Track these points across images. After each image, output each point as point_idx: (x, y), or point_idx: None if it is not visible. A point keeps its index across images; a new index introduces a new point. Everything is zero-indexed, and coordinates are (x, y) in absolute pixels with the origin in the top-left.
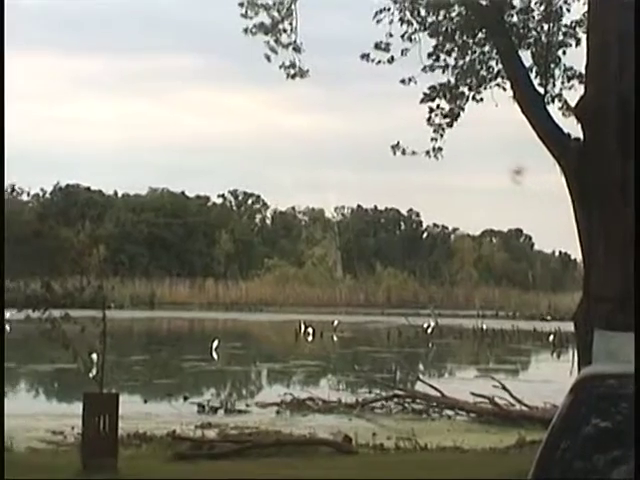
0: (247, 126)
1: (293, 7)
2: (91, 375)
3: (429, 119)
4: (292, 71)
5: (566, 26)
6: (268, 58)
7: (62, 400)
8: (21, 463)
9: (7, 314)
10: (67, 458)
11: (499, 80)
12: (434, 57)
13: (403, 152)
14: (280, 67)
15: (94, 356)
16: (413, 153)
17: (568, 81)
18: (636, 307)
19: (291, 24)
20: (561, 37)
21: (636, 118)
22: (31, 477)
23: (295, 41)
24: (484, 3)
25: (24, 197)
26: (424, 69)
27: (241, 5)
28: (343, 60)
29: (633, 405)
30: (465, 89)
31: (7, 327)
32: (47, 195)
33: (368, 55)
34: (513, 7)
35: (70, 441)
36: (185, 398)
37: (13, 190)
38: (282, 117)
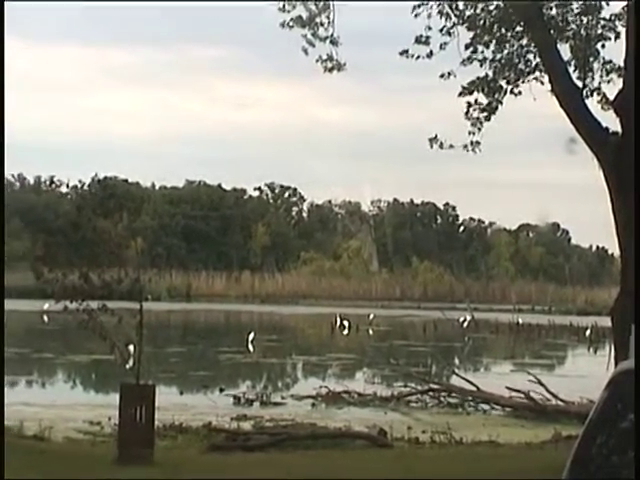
0: (284, 119)
1: (330, 0)
2: (128, 366)
3: (467, 113)
4: (329, 64)
5: (605, 19)
6: (305, 51)
7: (99, 391)
8: (58, 453)
9: (45, 305)
10: (104, 448)
11: (537, 73)
12: (472, 49)
13: (441, 146)
14: (317, 60)
15: (131, 347)
16: (451, 147)
17: (607, 75)
18: (636, 307)
19: (328, 17)
20: (600, 30)
21: (636, 118)
22: (69, 466)
23: (332, 34)
24: None
25: (63, 189)
26: (462, 62)
27: None
28: (380, 53)
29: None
30: (503, 82)
31: (45, 318)
32: (85, 187)
33: (407, 51)
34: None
35: (107, 431)
36: (221, 390)
37: (52, 182)
38: (319, 110)
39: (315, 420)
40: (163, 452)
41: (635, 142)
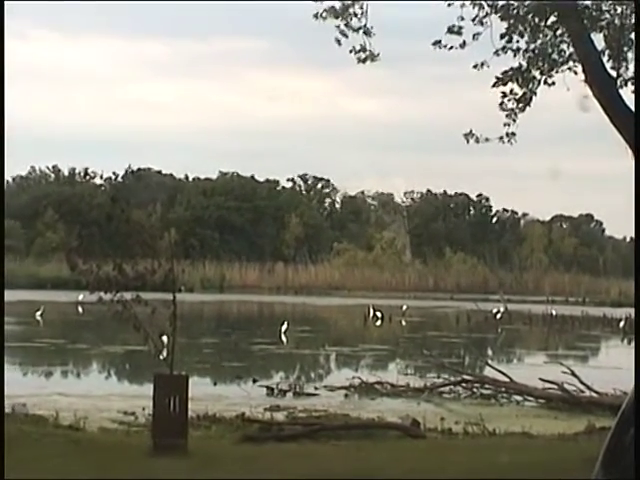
0: (318, 110)
1: None
2: (161, 357)
3: (501, 104)
4: (363, 55)
5: None
6: (338, 42)
7: (133, 381)
8: (93, 442)
9: (80, 296)
10: (138, 438)
11: (571, 63)
12: (506, 39)
13: (477, 140)
14: (350, 51)
15: (164, 338)
16: (487, 140)
17: None
18: (636, 307)
19: (361, 8)
20: (634, 19)
21: (636, 118)
22: (103, 456)
23: (365, 25)
24: None
25: (97, 180)
26: (496, 52)
27: None
28: (413, 44)
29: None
30: (537, 73)
31: (80, 309)
32: (119, 179)
33: (440, 41)
34: None
35: (141, 421)
36: (254, 381)
37: (86, 174)
38: (352, 101)
39: (348, 411)
40: (197, 442)
41: (635, 142)
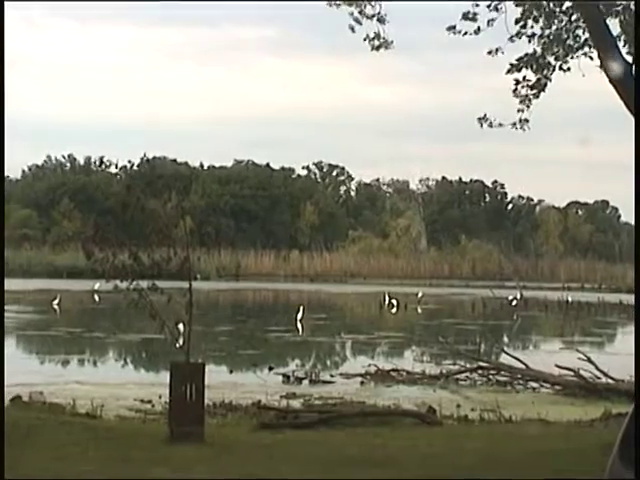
0: (332, 98)
1: None
2: (178, 345)
3: (515, 90)
4: (376, 42)
5: None
6: (352, 29)
7: (149, 369)
8: (110, 430)
9: (96, 284)
10: (155, 426)
11: (586, 49)
12: (521, 24)
13: (490, 124)
14: (364, 39)
15: (180, 326)
16: (500, 125)
17: None
18: (636, 306)
19: None
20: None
21: (636, 118)
22: (120, 443)
23: (379, 12)
24: None
25: (112, 169)
26: (511, 38)
27: None
28: (427, 31)
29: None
30: (551, 59)
31: (96, 297)
32: (134, 167)
33: (454, 27)
34: None
35: (158, 409)
36: (270, 368)
37: (102, 163)
38: (366, 88)
39: (364, 398)
40: (213, 430)
41: (635, 142)
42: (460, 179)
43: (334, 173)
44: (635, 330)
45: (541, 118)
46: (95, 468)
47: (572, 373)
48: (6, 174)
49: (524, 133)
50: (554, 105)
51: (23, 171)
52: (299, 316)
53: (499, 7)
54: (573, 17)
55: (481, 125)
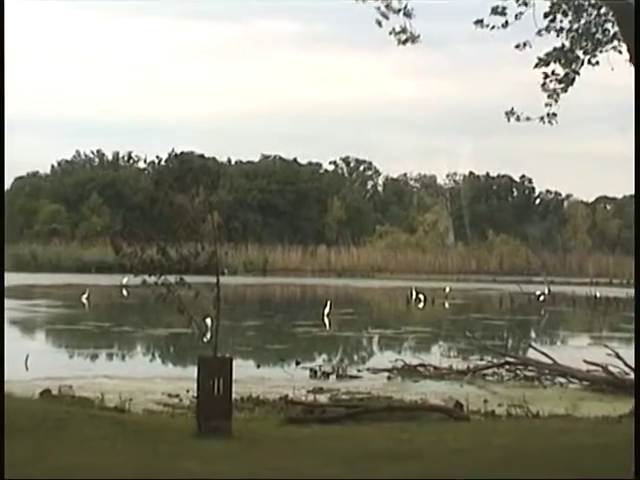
0: (359, 92)
1: None
2: (205, 339)
3: (544, 84)
4: (403, 36)
5: None
6: (379, 23)
7: (177, 364)
8: (139, 424)
9: (124, 279)
10: (183, 420)
11: (615, 43)
12: (549, 18)
13: (517, 118)
14: (391, 33)
15: (208, 321)
16: (527, 119)
17: None
18: (636, 306)
19: None
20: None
21: (636, 117)
22: (149, 437)
23: (406, 6)
24: None
25: (140, 164)
26: (539, 32)
27: None
28: (455, 25)
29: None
30: (580, 53)
31: (124, 292)
32: (162, 162)
33: (482, 21)
34: None
35: (185, 404)
36: (297, 363)
37: (130, 158)
38: (393, 83)
39: (391, 393)
40: (241, 424)
41: (635, 141)
42: (487, 174)
43: (361, 168)
44: (635, 330)
45: (569, 112)
46: (123, 461)
47: (600, 369)
48: (36, 169)
49: (552, 127)
50: (583, 99)
51: (52, 166)
52: (326, 311)
53: (528, 1)
54: (602, 10)
55: (509, 119)
